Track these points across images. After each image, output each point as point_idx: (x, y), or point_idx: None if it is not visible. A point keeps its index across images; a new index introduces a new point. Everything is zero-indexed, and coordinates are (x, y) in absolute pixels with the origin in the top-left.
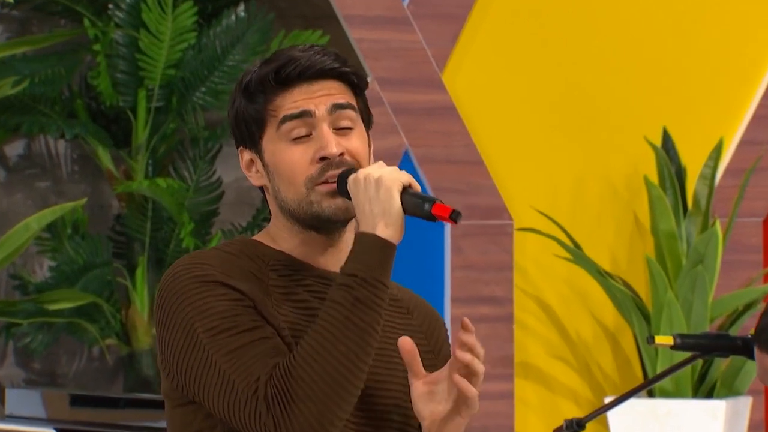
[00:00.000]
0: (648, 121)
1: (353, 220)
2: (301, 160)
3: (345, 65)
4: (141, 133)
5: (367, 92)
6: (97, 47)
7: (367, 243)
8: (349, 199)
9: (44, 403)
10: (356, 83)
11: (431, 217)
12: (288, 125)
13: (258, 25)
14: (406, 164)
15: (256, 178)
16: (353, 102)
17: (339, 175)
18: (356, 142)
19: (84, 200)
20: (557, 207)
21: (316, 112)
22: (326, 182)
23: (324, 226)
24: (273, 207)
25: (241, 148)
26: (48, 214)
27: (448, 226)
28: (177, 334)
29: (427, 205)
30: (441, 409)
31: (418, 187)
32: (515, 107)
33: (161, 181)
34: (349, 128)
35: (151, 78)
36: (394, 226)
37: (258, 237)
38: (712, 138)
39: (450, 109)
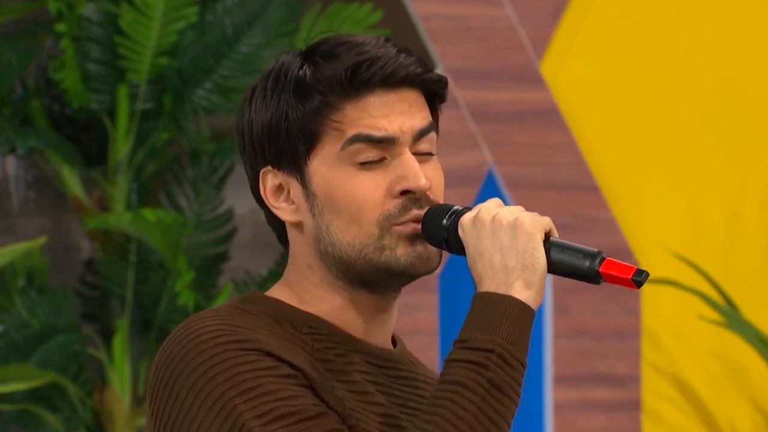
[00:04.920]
0: None
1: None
2: (375, 192)
3: (431, 71)
4: (121, 147)
5: None
6: (61, 27)
7: (502, 307)
8: (435, 245)
9: None
10: (439, 95)
11: (596, 279)
12: (358, 146)
13: None
14: (489, 189)
15: (287, 211)
16: (432, 119)
17: (428, 213)
18: (436, 172)
19: (42, 240)
20: (703, 249)
21: (401, 138)
22: (407, 224)
23: (386, 283)
24: (305, 254)
25: (267, 168)
26: None
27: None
28: (208, 419)
29: (589, 262)
30: None
31: (557, 235)
32: (641, 110)
33: (149, 213)
34: (429, 154)
35: (136, 70)
36: (537, 287)
37: (275, 294)
38: None
39: (551, 111)
